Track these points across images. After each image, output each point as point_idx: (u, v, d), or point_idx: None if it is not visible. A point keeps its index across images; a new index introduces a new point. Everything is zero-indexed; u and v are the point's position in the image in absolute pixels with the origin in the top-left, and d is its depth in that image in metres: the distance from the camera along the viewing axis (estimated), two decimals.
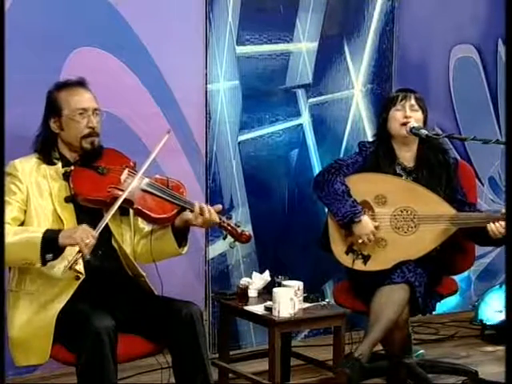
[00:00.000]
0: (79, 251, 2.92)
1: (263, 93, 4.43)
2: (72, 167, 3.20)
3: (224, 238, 3.33)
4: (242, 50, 4.34)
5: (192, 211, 3.20)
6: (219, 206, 3.29)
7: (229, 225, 3.27)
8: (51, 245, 2.97)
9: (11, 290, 3.15)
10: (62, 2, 3.82)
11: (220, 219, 3.25)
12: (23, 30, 3.67)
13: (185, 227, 3.26)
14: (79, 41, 3.86)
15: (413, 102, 3.77)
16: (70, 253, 2.99)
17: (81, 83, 3.26)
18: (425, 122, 3.79)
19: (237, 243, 3.32)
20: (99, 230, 3.00)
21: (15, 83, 3.29)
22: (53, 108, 3.23)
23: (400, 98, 3.78)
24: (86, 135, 3.21)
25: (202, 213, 3.19)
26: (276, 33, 4.42)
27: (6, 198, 3.07)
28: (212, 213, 3.20)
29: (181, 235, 3.26)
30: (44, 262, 2.98)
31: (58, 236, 2.97)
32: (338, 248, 3.74)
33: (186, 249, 3.30)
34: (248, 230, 4.26)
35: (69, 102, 3.21)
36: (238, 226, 3.29)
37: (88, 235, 2.94)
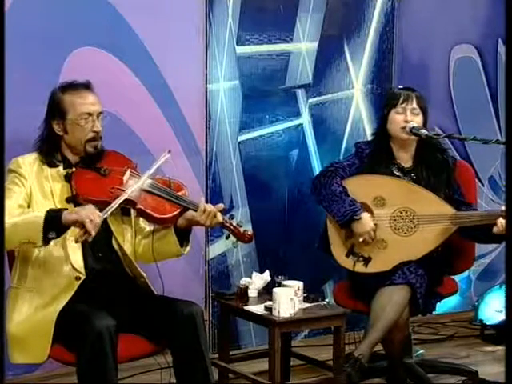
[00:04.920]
0: (84, 229, 2.90)
1: (263, 93, 4.43)
2: (73, 169, 3.21)
3: (227, 238, 3.34)
4: (242, 49, 4.34)
5: (195, 211, 3.21)
6: (221, 205, 3.30)
7: (231, 224, 3.29)
8: (54, 223, 2.95)
9: (12, 287, 3.15)
10: (62, 2, 3.83)
11: (223, 219, 3.26)
12: (23, 30, 3.67)
13: (187, 227, 3.26)
14: (79, 41, 3.86)
15: (414, 105, 3.72)
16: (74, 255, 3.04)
17: (86, 86, 3.23)
18: (425, 124, 3.77)
19: (239, 243, 3.34)
20: (106, 215, 3.00)
21: (15, 83, 3.30)
22: (57, 110, 3.20)
23: (401, 100, 3.73)
24: (91, 139, 3.20)
25: (205, 211, 3.20)
26: (276, 33, 4.42)
27: (11, 187, 3.09)
28: (217, 214, 3.21)
29: (183, 236, 3.26)
30: (46, 241, 2.96)
31: (62, 213, 2.96)
32: (339, 251, 3.74)
33: (187, 249, 3.31)
34: (248, 229, 4.27)
35: (74, 105, 3.18)
36: (241, 226, 3.32)
37: (94, 214, 2.93)
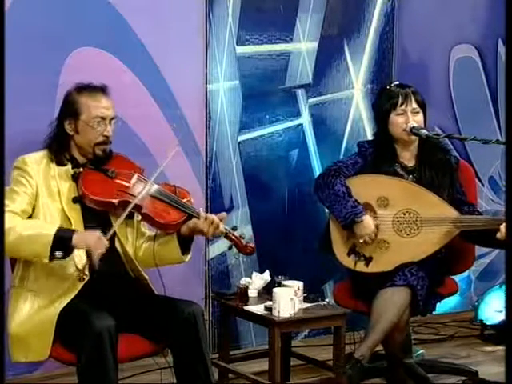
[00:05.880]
0: (89, 257, 2.98)
1: (263, 93, 4.43)
2: (81, 169, 3.21)
3: (229, 249, 3.37)
4: (242, 49, 4.34)
5: (198, 219, 3.22)
6: (224, 214, 3.31)
7: (234, 235, 3.30)
8: (62, 243, 2.98)
9: (14, 286, 3.15)
10: (62, 2, 3.82)
11: (226, 230, 3.27)
12: (23, 30, 3.67)
13: (190, 235, 3.27)
14: (79, 41, 3.86)
15: (414, 105, 3.71)
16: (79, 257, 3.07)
17: (102, 89, 3.25)
18: (425, 119, 3.76)
19: (240, 254, 3.38)
20: (115, 228, 3.07)
21: (15, 83, 3.29)
22: (70, 110, 3.21)
23: (401, 102, 3.72)
24: (100, 143, 3.21)
25: (208, 219, 3.21)
26: (276, 33, 4.42)
27: (16, 189, 3.09)
28: (220, 224, 3.23)
29: (185, 243, 3.27)
30: (52, 259, 2.98)
31: (72, 237, 2.99)
32: (340, 250, 3.74)
33: (189, 257, 3.32)
34: (248, 230, 4.28)
35: (89, 107, 3.19)
36: (243, 238, 3.33)
37: (102, 245, 2.99)
